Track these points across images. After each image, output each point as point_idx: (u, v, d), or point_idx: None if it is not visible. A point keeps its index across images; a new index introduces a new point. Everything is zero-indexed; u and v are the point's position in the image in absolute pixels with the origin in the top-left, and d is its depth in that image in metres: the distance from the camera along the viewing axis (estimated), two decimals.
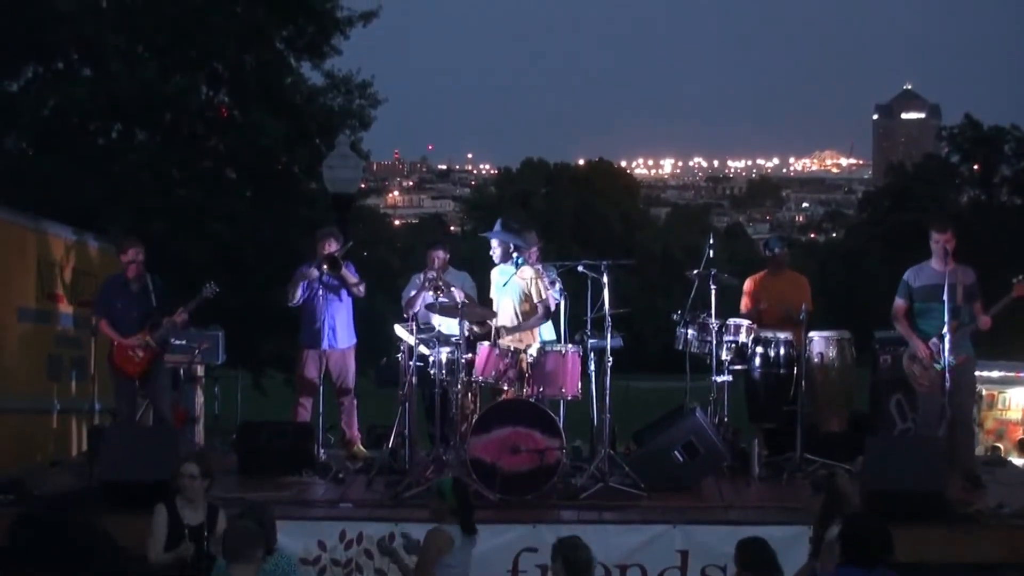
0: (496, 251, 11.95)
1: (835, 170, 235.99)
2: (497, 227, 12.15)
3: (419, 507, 9.51)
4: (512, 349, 11.16)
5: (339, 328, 12.56)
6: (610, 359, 11.17)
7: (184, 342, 13.30)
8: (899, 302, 11.30)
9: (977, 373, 12.01)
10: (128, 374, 12.09)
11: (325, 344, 12.34)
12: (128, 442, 10.52)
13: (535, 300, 11.84)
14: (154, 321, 12.04)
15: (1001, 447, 14.68)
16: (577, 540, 7.55)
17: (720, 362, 11.89)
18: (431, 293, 11.65)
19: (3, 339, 12.75)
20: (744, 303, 12.49)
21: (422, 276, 12.11)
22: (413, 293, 12.17)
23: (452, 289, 11.70)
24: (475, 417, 10.93)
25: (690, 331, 12.10)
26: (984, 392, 14.84)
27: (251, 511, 8.07)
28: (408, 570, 8.28)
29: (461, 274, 12.47)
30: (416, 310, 11.93)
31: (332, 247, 12.38)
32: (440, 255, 12.22)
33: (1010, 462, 13.53)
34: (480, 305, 11.88)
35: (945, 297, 10.78)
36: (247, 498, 10.28)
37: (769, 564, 7.35)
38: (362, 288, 12.57)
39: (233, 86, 26.64)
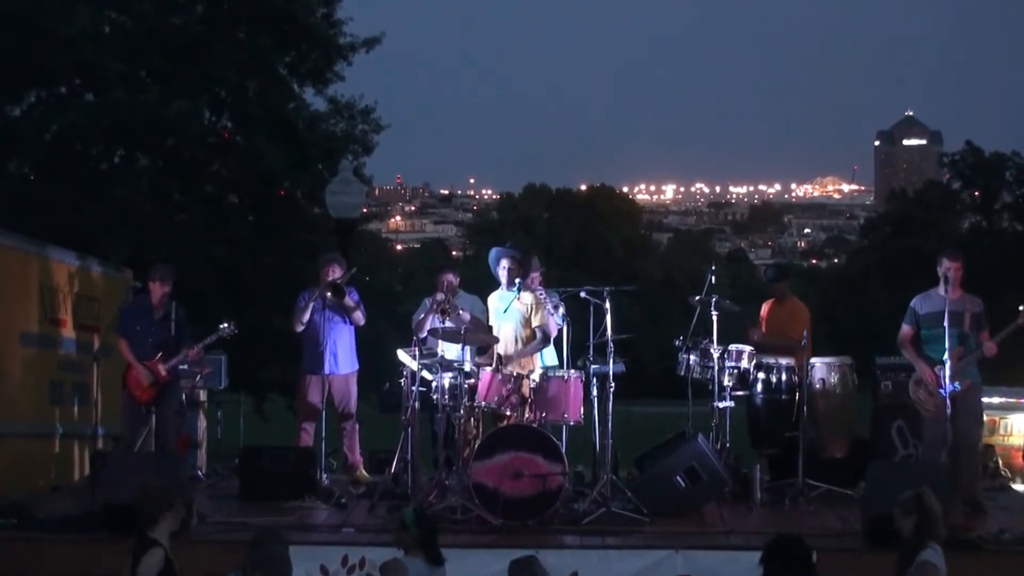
0: (503, 273, 11.94)
1: (837, 196, 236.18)
2: (507, 246, 12.40)
3: None
4: (515, 374, 11.18)
5: (341, 354, 12.56)
6: (612, 384, 11.19)
7: (187, 367, 13.33)
8: (905, 328, 11.34)
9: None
10: (137, 398, 12.14)
11: (327, 369, 12.33)
12: (130, 467, 10.51)
13: (535, 325, 11.86)
14: (169, 350, 12.08)
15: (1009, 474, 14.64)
16: (533, 562, 7.57)
17: (722, 388, 11.90)
18: (439, 316, 11.65)
19: (6, 364, 12.75)
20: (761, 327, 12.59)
21: (431, 300, 12.11)
22: (422, 316, 12.14)
23: (460, 312, 11.71)
24: (478, 442, 10.94)
25: (692, 357, 12.12)
26: (986, 418, 14.83)
27: (274, 535, 8.03)
28: None
29: (471, 298, 12.42)
30: (424, 334, 11.92)
31: (335, 274, 12.39)
32: (449, 278, 12.15)
33: (1013, 488, 13.52)
34: (485, 330, 11.85)
35: (947, 324, 10.82)
36: (250, 523, 10.30)
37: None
38: (360, 315, 12.54)
39: (235, 111, 26.76)
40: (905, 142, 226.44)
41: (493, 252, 12.31)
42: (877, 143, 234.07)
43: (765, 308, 12.71)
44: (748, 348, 12.06)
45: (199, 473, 13.33)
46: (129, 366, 12.19)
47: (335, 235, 18.72)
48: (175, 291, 12.27)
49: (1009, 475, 14.51)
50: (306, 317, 12.39)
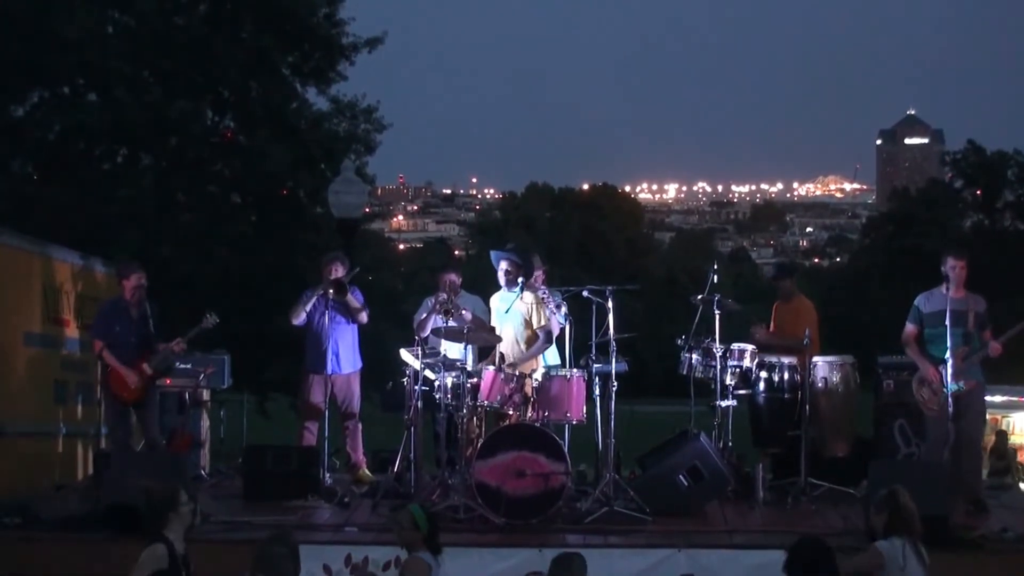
0: (501, 275, 11.95)
1: (839, 195, 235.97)
2: (506, 249, 12.38)
3: None
4: (517, 373, 11.19)
5: (344, 353, 12.55)
6: (615, 384, 11.20)
7: (190, 366, 13.36)
8: (910, 327, 11.35)
9: None
10: (124, 400, 12.13)
11: (330, 369, 12.34)
12: (133, 466, 10.52)
13: (536, 326, 11.86)
14: (152, 348, 12.08)
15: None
16: (573, 558, 7.56)
17: (724, 387, 11.91)
18: (441, 316, 11.66)
19: (9, 364, 12.76)
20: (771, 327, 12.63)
21: (433, 299, 12.11)
22: (424, 316, 12.14)
23: (463, 312, 11.72)
24: (480, 441, 10.95)
25: (694, 356, 12.12)
26: (988, 416, 14.80)
27: (280, 537, 8.05)
28: None
29: (474, 298, 12.40)
30: (426, 334, 11.92)
31: (338, 272, 12.39)
32: (451, 278, 12.13)
33: (1018, 487, 13.51)
34: (488, 330, 11.85)
35: (949, 323, 10.84)
36: (254, 522, 10.32)
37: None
38: (364, 315, 12.55)
39: (238, 111, 26.76)
40: (907, 141, 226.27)
41: (493, 254, 12.33)
42: (879, 142, 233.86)
43: (774, 308, 12.73)
44: (750, 347, 12.07)
45: (202, 472, 13.33)
46: (110, 369, 12.10)
47: (337, 235, 18.73)
48: (152, 285, 12.29)
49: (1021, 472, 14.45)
50: (308, 307, 12.39)
